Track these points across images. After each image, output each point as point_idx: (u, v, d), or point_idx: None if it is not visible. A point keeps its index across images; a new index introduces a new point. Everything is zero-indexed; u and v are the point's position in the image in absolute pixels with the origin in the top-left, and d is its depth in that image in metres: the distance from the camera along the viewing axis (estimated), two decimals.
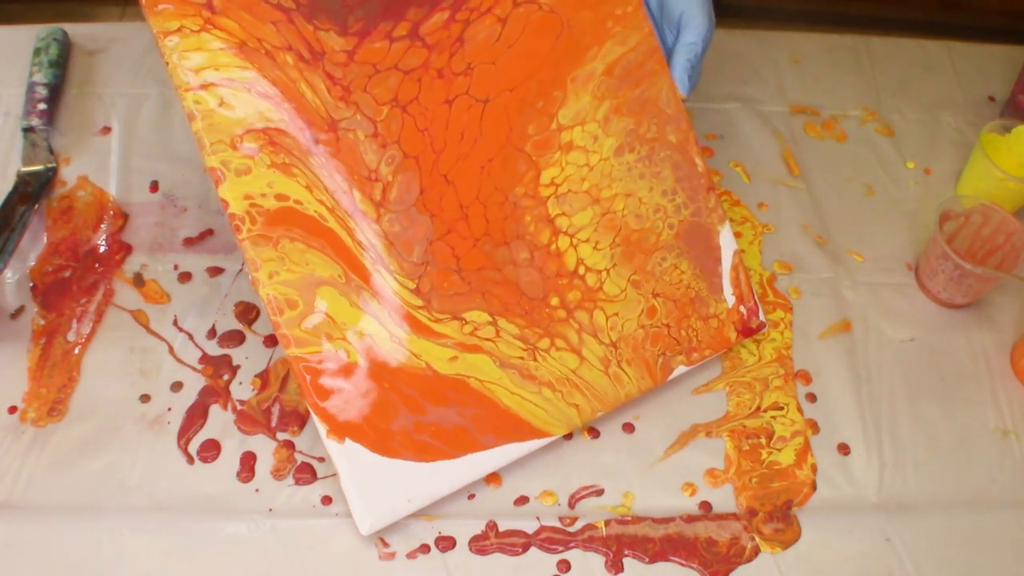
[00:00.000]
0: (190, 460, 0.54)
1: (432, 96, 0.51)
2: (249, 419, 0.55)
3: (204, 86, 0.47)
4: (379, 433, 0.50)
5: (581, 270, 0.55)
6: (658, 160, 0.56)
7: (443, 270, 0.52)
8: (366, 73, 0.50)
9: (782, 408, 0.59)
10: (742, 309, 0.59)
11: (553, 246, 0.54)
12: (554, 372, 0.54)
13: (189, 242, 0.63)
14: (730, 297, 0.58)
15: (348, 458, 0.50)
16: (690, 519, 0.54)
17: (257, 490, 0.53)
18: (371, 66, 0.50)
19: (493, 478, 0.54)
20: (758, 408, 0.59)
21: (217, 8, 0.47)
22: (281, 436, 0.55)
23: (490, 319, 0.53)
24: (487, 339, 0.53)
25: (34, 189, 0.63)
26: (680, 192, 0.57)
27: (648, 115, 0.55)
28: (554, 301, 0.54)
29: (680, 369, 0.57)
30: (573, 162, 0.54)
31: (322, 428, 0.49)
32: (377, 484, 0.50)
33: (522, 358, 0.53)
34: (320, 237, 0.49)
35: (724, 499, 0.55)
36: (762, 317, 0.60)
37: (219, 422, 0.55)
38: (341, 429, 0.49)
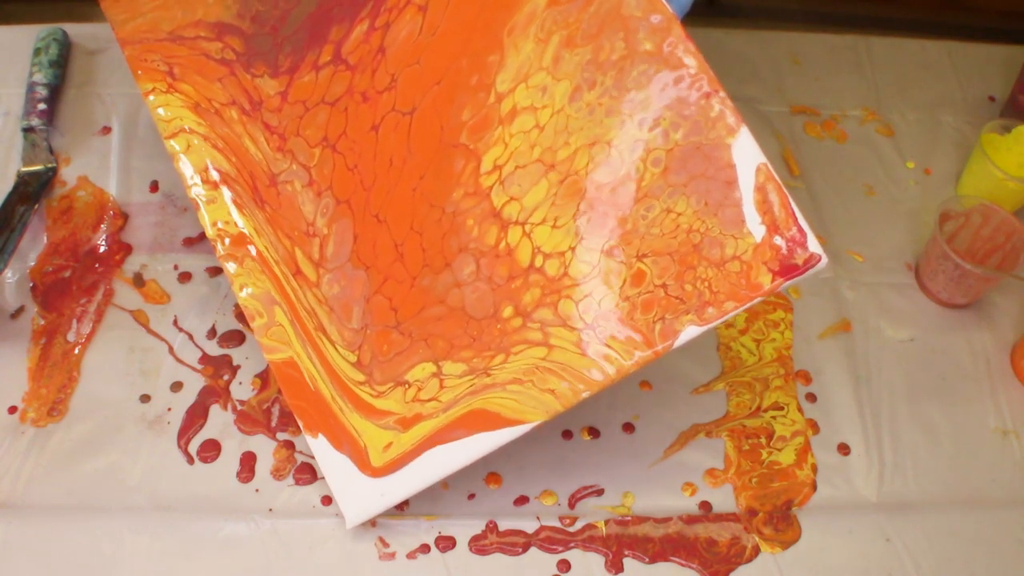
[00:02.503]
0: (190, 460, 0.54)
1: (359, 125, 0.51)
2: (249, 419, 0.55)
3: (175, 134, 0.54)
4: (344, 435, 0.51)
5: (539, 261, 0.47)
6: (630, 82, 0.46)
7: (382, 330, 0.51)
8: (297, 114, 0.53)
9: (782, 408, 0.59)
10: (778, 241, 0.44)
11: (502, 244, 0.48)
12: (517, 369, 0.48)
13: (189, 242, 0.62)
14: (757, 228, 0.44)
15: (323, 452, 0.51)
16: (690, 519, 0.54)
17: (257, 490, 0.53)
18: (301, 105, 0.52)
19: (493, 478, 0.54)
20: (758, 408, 0.59)
21: (177, 75, 0.55)
22: (281, 436, 0.55)
23: (435, 369, 0.50)
24: (430, 399, 0.50)
25: (34, 189, 0.63)
26: (666, 112, 0.45)
27: (610, 31, 0.46)
28: (506, 312, 0.48)
29: (690, 331, 0.45)
30: (519, 130, 0.47)
31: (300, 423, 0.51)
32: (351, 478, 0.50)
33: (472, 384, 0.49)
34: (269, 271, 0.52)
35: (724, 499, 0.55)
36: (814, 247, 0.44)
37: (219, 422, 0.55)
38: (315, 425, 0.51)
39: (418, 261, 0.50)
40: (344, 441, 0.50)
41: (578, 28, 0.46)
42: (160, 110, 0.55)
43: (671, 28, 0.45)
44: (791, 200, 0.44)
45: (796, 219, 0.44)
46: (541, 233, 0.48)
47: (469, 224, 0.48)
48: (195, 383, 0.56)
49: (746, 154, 0.45)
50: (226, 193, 0.53)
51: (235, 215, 0.53)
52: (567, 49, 0.47)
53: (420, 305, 0.50)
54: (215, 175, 0.54)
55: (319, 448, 0.51)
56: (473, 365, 0.49)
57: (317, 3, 0.52)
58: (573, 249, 0.47)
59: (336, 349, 0.51)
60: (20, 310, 0.59)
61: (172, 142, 0.54)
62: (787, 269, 0.44)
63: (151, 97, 0.55)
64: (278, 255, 0.52)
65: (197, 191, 0.54)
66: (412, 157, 0.50)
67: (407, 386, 0.50)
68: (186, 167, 0.54)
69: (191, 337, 0.58)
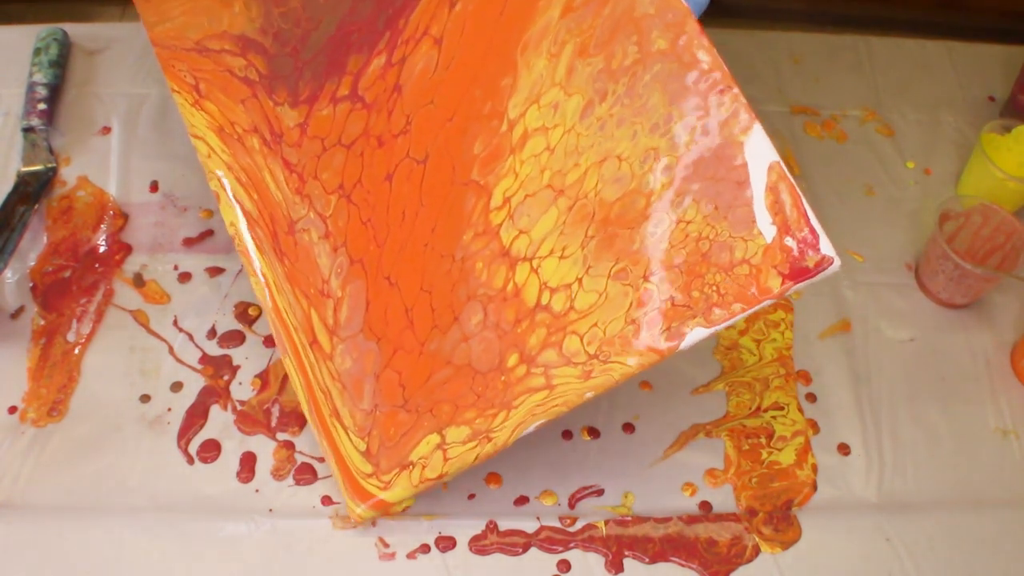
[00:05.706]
0: (190, 460, 0.54)
1: (374, 173, 0.49)
2: (249, 419, 0.55)
3: (198, 138, 0.54)
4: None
5: (545, 298, 0.46)
6: (642, 88, 0.44)
7: (390, 411, 0.49)
8: (316, 152, 0.50)
9: (782, 408, 0.59)
10: (789, 242, 0.41)
11: (510, 285, 0.47)
12: (516, 420, 0.47)
13: (189, 242, 0.62)
14: (767, 229, 0.42)
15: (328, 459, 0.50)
16: (690, 519, 0.54)
17: (257, 490, 0.53)
18: (320, 142, 0.50)
19: (493, 478, 0.54)
20: (758, 408, 0.59)
21: (202, 92, 0.54)
22: (281, 436, 0.55)
23: (439, 440, 0.48)
24: (437, 476, 0.48)
25: (34, 189, 0.63)
26: (676, 113, 0.44)
27: (623, 35, 0.44)
28: (511, 360, 0.47)
29: (697, 333, 0.43)
30: (530, 155, 0.46)
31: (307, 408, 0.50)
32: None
33: (476, 455, 0.48)
34: (290, 339, 0.51)
35: (724, 499, 0.55)
36: (826, 249, 0.41)
37: (219, 422, 0.55)
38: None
39: (427, 324, 0.49)
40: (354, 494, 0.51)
41: (591, 35, 0.45)
42: (184, 106, 0.55)
43: (685, 23, 0.43)
44: (803, 200, 0.41)
45: (808, 220, 0.41)
46: (548, 266, 0.46)
47: (478, 268, 0.47)
48: (195, 383, 0.56)
49: (759, 152, 0.42)
50: (247, 235, 0.52)
51: (254, 255, 0.52)
52: (580, 59, 0.45)
53: (428, 373, 0.49)
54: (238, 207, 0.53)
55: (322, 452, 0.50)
56: (476, 427, 0.48)
57: (337, 25, 0.49)
58: (580, 280, 0.45)
59: (349, 436, 0.49)
60: (20, 310, 0.59)
61: (198, 142, 0.54)
62: (798, 272, 0.41)
63: (177, 94, 0.55)
64: (296, 321, 0.50)
65: (220, 172, 0.52)
66: (424, 209, 0.48)
67: (411, 468, 0.48)
68: (211, 162, 0.53)
69: (191, 337, 0.58)
